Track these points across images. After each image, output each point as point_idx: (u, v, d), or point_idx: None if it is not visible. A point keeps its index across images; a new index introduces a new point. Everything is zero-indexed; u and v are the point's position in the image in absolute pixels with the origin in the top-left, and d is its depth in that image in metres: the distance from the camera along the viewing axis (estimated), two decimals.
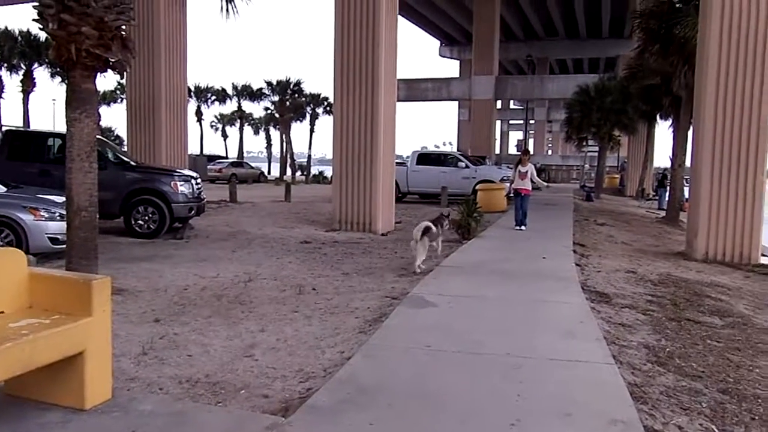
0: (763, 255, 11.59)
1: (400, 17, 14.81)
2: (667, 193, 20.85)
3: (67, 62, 6.20)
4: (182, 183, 11.98)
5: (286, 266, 9.14)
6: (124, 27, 6.48)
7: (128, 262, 9.00)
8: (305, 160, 60.91)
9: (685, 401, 4.18)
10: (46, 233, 8.72)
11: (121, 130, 49.56)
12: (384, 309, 6.44)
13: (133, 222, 11.61)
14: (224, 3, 7.74)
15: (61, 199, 7.95)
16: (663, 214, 20.92)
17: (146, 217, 11.63)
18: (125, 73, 6.82)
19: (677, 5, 16.56)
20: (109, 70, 6.39)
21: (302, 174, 51.79)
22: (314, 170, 52.06)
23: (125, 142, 18.21)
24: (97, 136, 6.96)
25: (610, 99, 28.22)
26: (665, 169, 26.85)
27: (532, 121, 71.16)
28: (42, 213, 8.79)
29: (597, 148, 33.01)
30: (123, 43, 6.32)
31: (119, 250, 10.07)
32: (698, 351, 5.36)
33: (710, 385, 4.53)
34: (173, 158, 16.45)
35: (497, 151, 61.03)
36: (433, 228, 9.13)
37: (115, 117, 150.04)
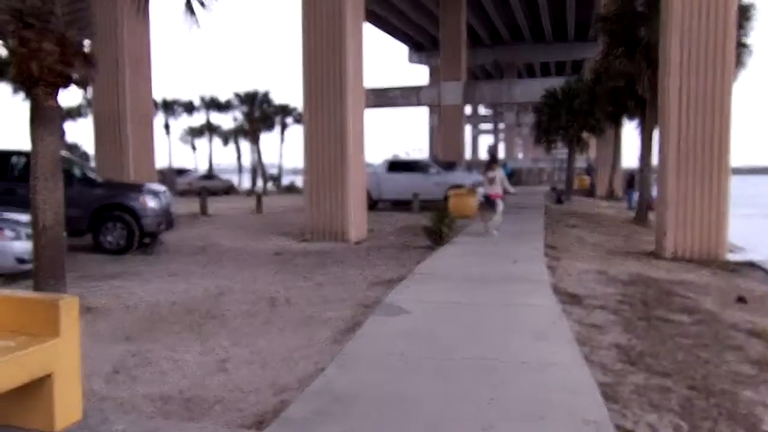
0: (729, 251, 11.84)
1: (368, 25, 14.91)
2: (636, 194, 21.17)
3: (29, 79, 6.13)
4: (151, 197, 11.88)
5: (258, 279, 9.10)
6: (86, 42, 6.43)
7: (98, 279, 8.89)
8: (277, 170, 60.65)
9: (655, 399, 4.27)
10: (12, 253, 8.57)
11: (88, 146, 48.93)
12: (358, 318, 6.46)
13: (101, 239, 11.48)
14: (186, 11, 7.72)
15: (26, 217, 7.84)
16: (633, 214, 21.23)
17: (115, 234, 11.51)
18: (89, 88, 6.77)
19: (639, 9, 16.88)
20: (72, 86, 6.34)
21: (274, 184, 51.54)
22: (286, 180, 51.85)
23: (92, 158, 18.01)
24: (63, 153, 6.89)
25: (578, 101, 28.60)
26: (633, 170, 27.25)
27: (501, 126, 71.80)
28: (7, 233, 8.65)
29: (566, 151, 33.40)
30: (85, 59, 6.27)
31: (88, 268, 9.94)
32: (667, 349, 5.47)
33: (679, 382, 4.63)
34: (141, 173, 16.28)
35: (468, 156, 61.37)
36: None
37: (81, 132, 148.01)
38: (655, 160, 14.66)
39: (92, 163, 17.51)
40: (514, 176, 42.74)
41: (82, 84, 6.42)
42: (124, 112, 15.86)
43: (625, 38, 17.11)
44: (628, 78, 18.58)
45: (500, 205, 13.61)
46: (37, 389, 3.53)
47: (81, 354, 3.83)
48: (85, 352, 4.77)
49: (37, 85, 6.15)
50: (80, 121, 52.52)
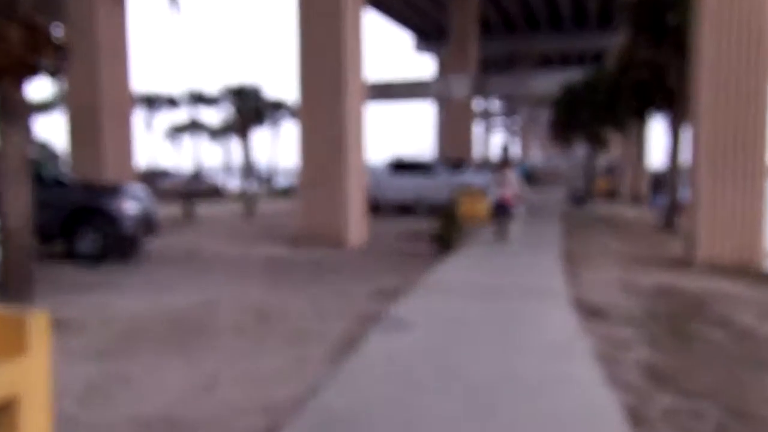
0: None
1: (372, 12, 14.90)
2: (664, 196, 21.10)
3: None
4: (131, 200, 11.85)
5: (248, 289, 9.07)
6: (57, 29, 6.42)
7: (70, 290, 8.86)
8: (269, 170, 60.65)
9: (687, 423, 4.23)
10: None
11: (61, 143, 48.92)
12: (356, 333, 6.44)
13: (75, 246, 11.44)
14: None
15: None
16: (660, 218, 21.17)
17: (90, 240, 11.46)
18: (62, 81, 6.75)
19: None
20: (42, 78, 6.33)
21: (267, 184, 51.53)
22: (280, 181, 51.87)
23: (66, 157, 17.98)
24: (34, 150, 6.89)
25: (599, 95, 28.52)
26: (661, 170, 27.16)
27: (515, 122, 71.78)
28: None
29: (586, 149, 33.34)
30: (56, 48, 6.26)
31: (60, 278, 9.91)
32: (700, 367, 5.43)
33: (713, 404, 4.58)
34: (120, 173, 16.27)
35: (478, 155, 61.23)
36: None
37: (53, 128, 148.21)
38: (685, 159, 14.60)
39: (65, 163, 17.47)
40: (531, 178, 42.75)
41: (54, 75, 6.41)
42: (101, 106, 15.82)
43: (652, 25, 17.07)
44: (655, 69, 18.52)
45: (517, 209, 13.62)
46: (0, 414, 3.50)
47: (52, 374, 3.80)
48: (55, 371, 4.73)
49: (3, 77, 6.14)
50: (52, 116, 52.57)
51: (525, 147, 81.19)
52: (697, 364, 5.53)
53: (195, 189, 36.21)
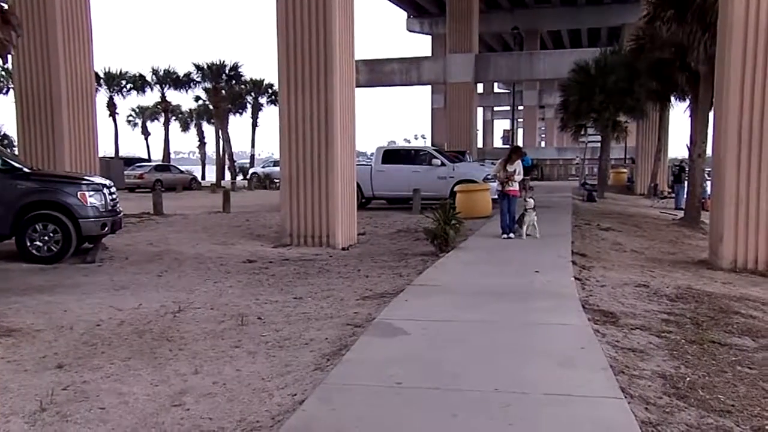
0: None
1: None
2: (685, 190, 21.16)
3: None
4: (92, 193, 11.81)
5: (225, 292, 9.08)
6: None
7: (22, 294, 8.83)
8: (248, 160, 60.60)
9: None
10: None
11: (10, 128, 48.62)
12: (345, 339, 6.42)
13: (28, 243, 11.38)
14: None
15: None
16: (681, 214, 21.23)
17: (46, 237, 11.42)
18: (10, 56, 6.64)
19: None
20: None
21: (244, 178, 51.50)
22: (259, 172, 51.87)
23: (16, 143, 17.86)
24: None
25: (614, 78, 28.49)
26: (682, 161, 27.25)
27: (520, 108, 71.82)
28: None
29: (599, 138, 33.33)
30: (2, 18, 6.15)
31: (10, 279, 9.89)
32: (726, 380, 5.42)
33: (742, 421, 4.56)
34: (80, 162, 16.20)
35: (480, 144, 61.35)
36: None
37: (2, 111, 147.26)
38: (710, 149, 14.59)
39: (16, 151, 17.37)
40: (535, 170, 42.75)
41: (0, 50, 6.31)
42: (58, 86, 15.70)
43: None
44: (678, 47, 18.49)
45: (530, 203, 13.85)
46: None
47: None
48: (3, 385, 4.71)
49: None
50: None
51: (531, 136, 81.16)
52: (723, 376, 5.51)
53: (166, 180, 36.24)
